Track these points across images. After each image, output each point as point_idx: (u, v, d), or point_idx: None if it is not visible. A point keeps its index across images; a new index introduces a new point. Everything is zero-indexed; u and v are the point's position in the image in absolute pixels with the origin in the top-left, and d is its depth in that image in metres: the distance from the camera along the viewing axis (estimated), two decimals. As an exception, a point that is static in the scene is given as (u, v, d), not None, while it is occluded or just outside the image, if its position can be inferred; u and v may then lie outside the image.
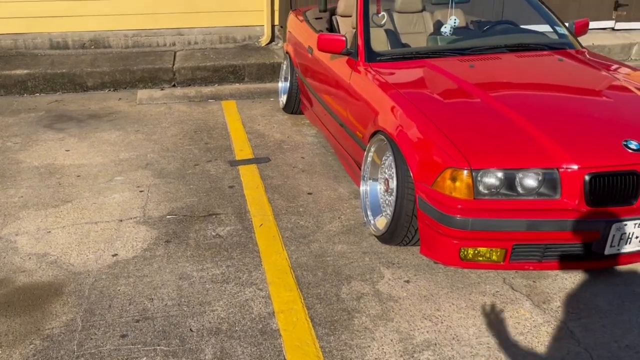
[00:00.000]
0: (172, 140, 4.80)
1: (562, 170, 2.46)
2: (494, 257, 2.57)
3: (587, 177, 2.44)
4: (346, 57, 3.76)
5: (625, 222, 2.46)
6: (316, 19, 5.15)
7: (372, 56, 3.56)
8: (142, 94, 6.06)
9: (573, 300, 2.61)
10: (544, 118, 2.74)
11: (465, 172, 2.48)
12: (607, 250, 2.51)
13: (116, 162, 4.32)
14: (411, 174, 2.71)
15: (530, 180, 2.49)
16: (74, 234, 3.25)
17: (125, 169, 4.19)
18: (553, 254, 2.56)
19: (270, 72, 6.74)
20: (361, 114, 3.37)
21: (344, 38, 3.67)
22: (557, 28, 3.92)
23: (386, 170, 3.10)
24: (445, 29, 3.97)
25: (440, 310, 2.55)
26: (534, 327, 2.44)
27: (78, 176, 4.05)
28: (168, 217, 3.44)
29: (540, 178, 2.48)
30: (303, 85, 4.97)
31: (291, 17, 5.66)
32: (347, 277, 2.80)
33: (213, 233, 3.25)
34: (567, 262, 2.59)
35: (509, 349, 2.32)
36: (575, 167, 2.45)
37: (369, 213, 3.17)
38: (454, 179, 2.51)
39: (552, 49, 3.67)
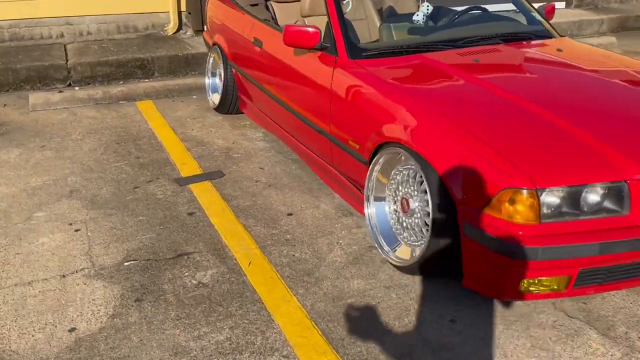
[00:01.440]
0: (92, 156, 3.95)
1: (632, 182, 2.15)
2: (556, 286, 2.22)
3: (660, 188, 2.15)
4: (318, 53, 3.21)
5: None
6: (252, 5, 4.50)
7: (355, 51, 3.04)
8: (36, 98, 5.02)
9: (637, 323, 2.34)
10: (592, 122, 2.42)
11: (527, 192, 2.09)
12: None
13: (28, 191, 3.43)
14: (450, 196, 2.27)
15: (595, 196, 2.16)
16: (3, 304, 2.43)
17: (44, 200, 3.33)
18: (616, 275, 2.27)
19: (184, 65, 5.95)
20: (354, 123, 2.85)
21: (317, 30, 3.11)
22: (533, 14, 3.65)
23: (400, 188, 2.63)
24: (418, 17, 3.55)
25: (507, 357, 2.16)
26: (613, 362, 2.14)
27: (-18, 216, 3.14)
28: (126, 264, 2.71)
29: (605, 193, 2.16)
30: (244, 81, 4.32)
31: (214, 3, 4.94)
32: (383, 324, 2.31)
33: (194, 281, 2.59)
34: (629, 280, 2.31)
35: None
36: (647, 177, 2.15)
37: (382, 242, 2.69)
38: (513, 202, 2.11)
39: (540, 37, 3.39)
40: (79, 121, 4.65)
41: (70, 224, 3.06)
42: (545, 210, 2.11)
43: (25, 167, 3.76)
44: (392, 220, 2.74)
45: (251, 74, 4.09)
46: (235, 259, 2.75)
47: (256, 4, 4.51)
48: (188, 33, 6.60)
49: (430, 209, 2.37)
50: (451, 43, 3.13)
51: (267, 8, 4.42)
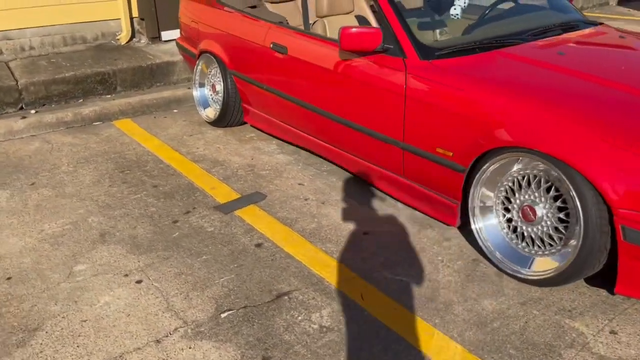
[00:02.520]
0: (100, 190, 3.42)
1: None
2: None
3: None
4: (374, 56, 2.95)
5: None
6: (251, 7, 4.13)
7: (427, 52, 2.81)
8: (-4, 127, 4.31)
9: None
10: None
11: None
12: None
13: (49, 241, 2.88)
14: (605, 199, 2.13)
15: None
16: (103, 388, 1.97)
17: (76, 250, 2.81)
18: None
19: (149, 76, 5.42)
20: (444, 129, 2.62)
21: (379, 30, 2.85)
22: (563, 2, 3.60)
23: (517, 196, 2.46)
24: (457, 11, 3.39)
25: (688, 362, 2.06)
26: None
27: (8, 279, 2.58)
28: (223, 315, 2.31)
29: None
30: (253, 90, 3.95)
31: (198, 7, 4.50)
32: (547, 348, 2.13)
33: (314, 325, 2.25)
34: None
35: None
36: None
37: (499, 256, 2.50)
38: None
39: (588, 25, 3.33)
40: (59, 150, 4.04)
41: (126, 275, 2.59)
42: None
43: (27, 211, 3.18)
44: (504, 231, 2.56)
45: (268, 81, 3.74)
46: (343, 292, 2.45)
47: (254, 6, 4.15)
48: (142, 41, 6.03)
49: (580, 215, 2.20)
50: (518, 37, 2.98)
51: (305, 9, 4.11)
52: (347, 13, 3.89)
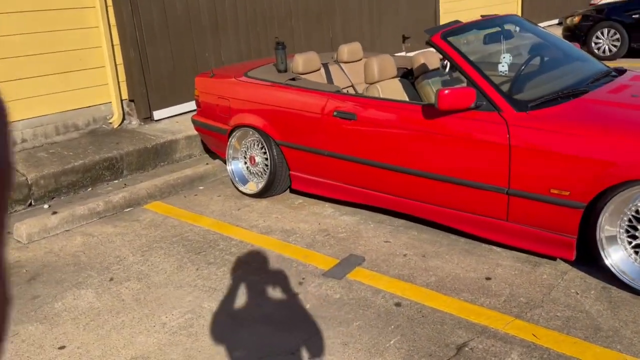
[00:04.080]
0: (191, 275, 3.29)
1: None
2: None
3: None
4: (466, 113, 3.18)
5: None
6: (291, 79, 4.25)
7: (521, 105, 3.09)
8: (28, 227, 3.97)
9: None
10: None
11: None
12: None
13: (181, 332, 2.72)
14: None
15: None
16: None
17: (216, 337, 2.67)
18: None
19: (154, 157, 5.33)
20: (558, 171, 2.87)
21: (473, 89, 3.10)
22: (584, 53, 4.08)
23: (641, 221, 2.73)
24: (504, 67, 3.75)
25: None
26: None
27: (169, 378, 2.40)
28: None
29: None
30: (304, 158, 4.03)
31: (224, 82, 4.55)
32: None
33: (516, 370, 2.32)
34: None
35: None
36: None
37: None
38: None
39: (619, 71, 3.80)
40: (109, 241, 3.83)
41: (293, 354, 2.51)
42: None
43: (131, 307, 2.98)
44: (632, 257, 2.81)
45: (332, 147, 3.83)
46: (514, 335, 2.54)
47: (293, 78, 4.27)
48: (133, 122, 5.90)
49: None
50: (584, 85, 3.35)
51: (329, 78, 4.31)
52: (393, 78, 4.14)
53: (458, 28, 3.61)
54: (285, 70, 4.44)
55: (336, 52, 4.83)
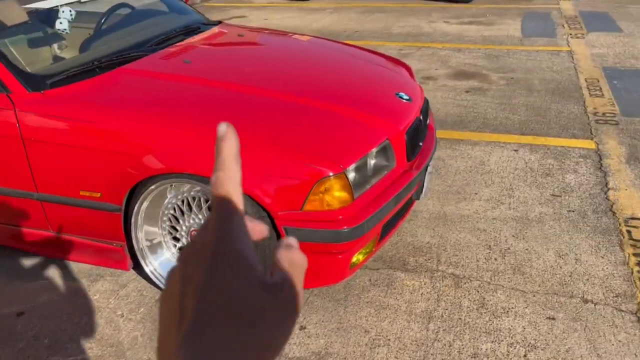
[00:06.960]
0: None
1: (391, 137, 2.39)
2: (370, 248, 2.33)
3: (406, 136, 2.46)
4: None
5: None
6: None
7: (37, 81, 2.35)
8: None
9: (413, 250, 2.70)
10: (333, 93, 2.54)
11: (336, 176, 2.11)
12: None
13: None
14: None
15: (374, 160, 2.32)
16: None
17: None
18: (396, 218, 2.53)
19: None
20: (81, 168, 2.24)
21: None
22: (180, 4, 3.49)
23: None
24: (63, 25, 2.97)
25: (369, 332, 2.20)
26: None
27: None
28: None
29: (378, 154, 2.35)
30: None
31: None
32: None
33: None
34: (401, 218, 2.61)
35: None
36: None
37: None
38: (327, 190, 2.10)
39: (209, 25, 3.27)
40: None
41: None
42: (354, 187, 2.17)
43: None
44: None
45: None
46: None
47: None
48: None
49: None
50: (141, 49, 2.74)
51: None
52: None
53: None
54: None
55: None
